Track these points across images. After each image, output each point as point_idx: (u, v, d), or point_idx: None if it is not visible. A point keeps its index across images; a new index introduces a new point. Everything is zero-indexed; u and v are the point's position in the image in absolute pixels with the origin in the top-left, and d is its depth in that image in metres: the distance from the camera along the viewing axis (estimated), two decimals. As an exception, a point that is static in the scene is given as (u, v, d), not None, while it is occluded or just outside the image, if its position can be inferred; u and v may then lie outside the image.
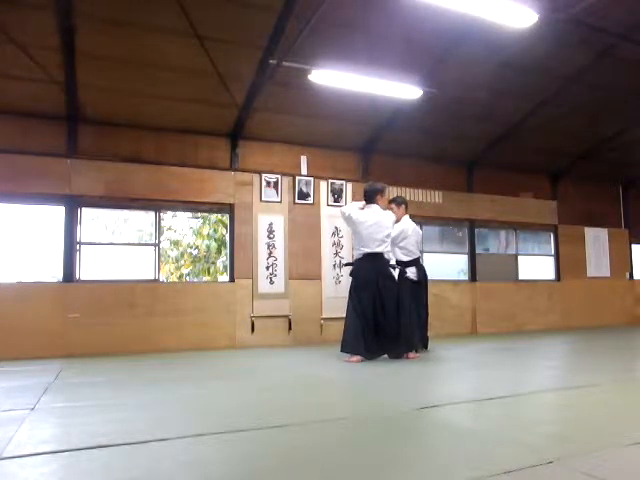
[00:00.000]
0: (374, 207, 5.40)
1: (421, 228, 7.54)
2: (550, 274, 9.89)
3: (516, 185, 9.54)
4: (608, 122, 8.67)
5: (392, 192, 7.72)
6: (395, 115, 7.52)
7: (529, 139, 8.68)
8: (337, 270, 7.53)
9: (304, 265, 7.37)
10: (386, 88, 6.29)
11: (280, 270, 7.20)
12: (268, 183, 7.26)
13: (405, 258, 5.83)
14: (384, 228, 5.30)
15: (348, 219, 5.43)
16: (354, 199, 7.58)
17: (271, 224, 7.23)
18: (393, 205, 6.00)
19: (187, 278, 10.71)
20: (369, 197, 5.46)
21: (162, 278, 7.78)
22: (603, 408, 2.95)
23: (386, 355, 5.15)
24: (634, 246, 10.94)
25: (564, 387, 3.79)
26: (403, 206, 6.06)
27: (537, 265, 9.83)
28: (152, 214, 6.93)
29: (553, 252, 9.93)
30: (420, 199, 8.38)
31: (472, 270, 8.96)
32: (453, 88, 7.12)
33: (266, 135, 7.47)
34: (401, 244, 5.83)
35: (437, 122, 7.85)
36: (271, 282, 7.13)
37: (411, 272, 5.78)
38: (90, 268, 6.46)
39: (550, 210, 9.79)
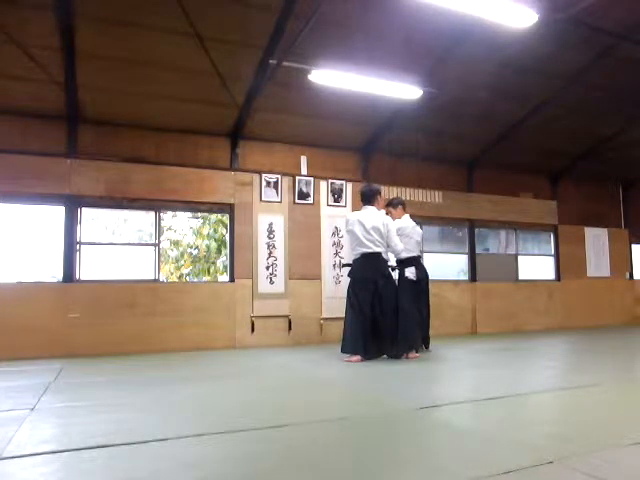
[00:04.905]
0: (370, 208, 5.39)
1: (421, 228, 7.52)
2: (550, 274, 9.89)
3: (516, 185, 9.54)
4: (608, 122, 8.67)
5: (392, 192, 7.75)
6: (395, 115, 7.52)
7: (529, 139, 8.68)
8: (337, 270, 7.52)
9: (304, 265, 7.37)
10: (386, 88, 6.30)
11: (280, 270, 7.20)
12: (268, 183, 7.26)
13: (404, 254, 5.81)
14: (381, 229, 5.27)
15: (350, 231, 5.33)
16: (354, 199, 7.59)
17: (271, 224, 7.23)
18: (391, 208, 6.00)
19: (187, 278, 10.71)
20: (367, 198, 5.42)
21: (162, 278, 7.78)
22: (603, 408, 2.95)
23: (385, 355, 5.16)
24: (634, 246, 10.94)
25: (564, 387, 3.78)
26: (400, 207, 6.08)
27: (537, 265, 9.83)
28: (152, 214, 6.92)
29: (553, 252, 9.93)
30: (420, 199, 8.38)
31: (472, 270, 8.96)
32: (453, 88, 7.12)
33: (266, 135, 7.47)
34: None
35: (437, 122, 7.85)
36: (271, 282, 7.13)
37: (411, 272, 5.77)
38: (90, 268, 6.46)
39: (550, 210, 9.79)
